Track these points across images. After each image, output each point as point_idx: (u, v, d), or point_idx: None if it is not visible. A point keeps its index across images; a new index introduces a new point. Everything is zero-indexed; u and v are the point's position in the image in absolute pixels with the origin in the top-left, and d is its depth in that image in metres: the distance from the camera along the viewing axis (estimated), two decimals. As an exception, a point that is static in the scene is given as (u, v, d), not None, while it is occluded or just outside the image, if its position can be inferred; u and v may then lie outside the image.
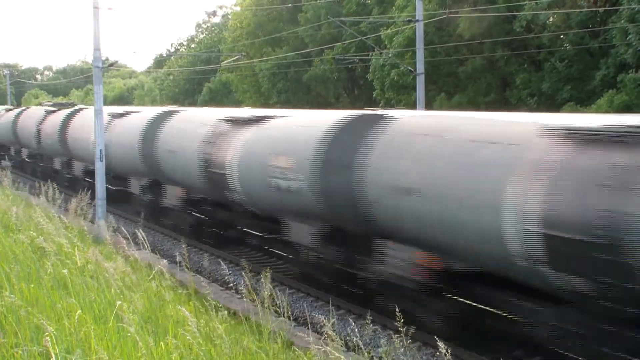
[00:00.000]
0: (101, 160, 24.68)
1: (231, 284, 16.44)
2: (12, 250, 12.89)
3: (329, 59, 46.38)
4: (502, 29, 35.45)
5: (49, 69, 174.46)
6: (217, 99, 69.34)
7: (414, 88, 30.23)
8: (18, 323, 8.83)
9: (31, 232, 14.35)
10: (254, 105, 56.14)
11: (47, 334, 7.77)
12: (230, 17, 69.01)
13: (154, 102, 79.53)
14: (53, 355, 7.52)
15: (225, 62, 49.28)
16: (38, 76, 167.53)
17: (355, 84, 51.35)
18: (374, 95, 41.18)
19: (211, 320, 10.11)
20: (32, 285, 10.64)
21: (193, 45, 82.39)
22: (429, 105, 32.48)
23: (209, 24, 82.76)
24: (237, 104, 61.18)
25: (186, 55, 76.30)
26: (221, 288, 18.97)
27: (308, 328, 12.62)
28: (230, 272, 20.59)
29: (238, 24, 58.49)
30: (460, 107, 34.24)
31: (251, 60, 50.61)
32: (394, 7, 40.24)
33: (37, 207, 19.69)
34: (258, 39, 52.76)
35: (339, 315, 16.33)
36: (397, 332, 13.62)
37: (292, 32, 48.43)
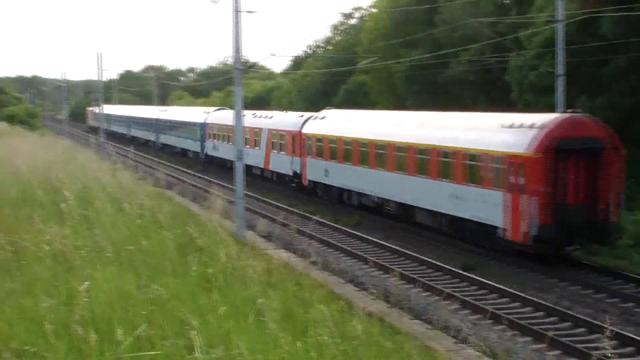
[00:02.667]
0: (240, 161, 25.55)
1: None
2: (160, 246, 13.36)
3: (465, 61, 45.74)
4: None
5: (192, 71, 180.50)
6: (352, 100, 69.64)
7: (554, 90, 29.38)
8: (165, 316, 9.13)
9: (177, 230, 14.86)
10: (388, 107, 55.99)
11: (191, 327, 8.00)
12: (366, 18, 69.19)
13: (290, 103, 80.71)
14: (196, 349, 7.74)
15: (361, 63, 49.43)
16: (182, 78, 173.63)
17: (492, 85, 50.32)
18: (512, 97, 40.28)
19: (350, 320, 10.16)
20: (178, 280, 10.99)
21: (330, 47, 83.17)
22: (570, 108, 31.43)
23: (345, 26, 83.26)
24: (372, 105, 61.26)
25: (323, 57, 77.06)
26: (356, 289, 19.09)
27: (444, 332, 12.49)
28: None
29: (374, 26, 58.52)
30: (602, 109, 32.97)
31: (387, 62, 50.50)
32: (533, 7, 39.22)
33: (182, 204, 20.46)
34: (394, 41, 52.65)
35: (475, 319, 16.10)
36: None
37: (428, 33, 48.03)
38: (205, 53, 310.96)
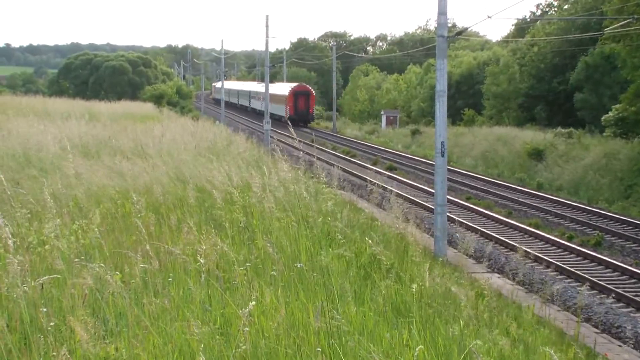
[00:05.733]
0: (442, 156, 25.15)
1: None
2: (338, 264, 13.58)
3: None
4: None
5: (382, 39, 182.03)
6: (594, 77, 67.46)
7: None
8: (344, 354, 9.26)
9: (358, 243, 15.06)
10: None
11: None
12: (618, -33, 67.23)
13: (511, 82, 79.63)
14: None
15: (609, 28, 48.00)
16: (369, 48, 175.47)
17: None
18: None
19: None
20: (362, 309, 11.13)
21: (566, 6, 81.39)
22: None
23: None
24: (622, 84, 59.01)
25: (556, 20, 75.56)
26: (596, 330, 18.73)
27: None
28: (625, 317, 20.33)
29: (629, -23, 56.86)
30: None
31: (645, 26, 48.84)
32: None
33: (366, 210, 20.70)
34: (656, -3, 50.87)
35: None
36: None
37: None
38: (400, 16, 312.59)
